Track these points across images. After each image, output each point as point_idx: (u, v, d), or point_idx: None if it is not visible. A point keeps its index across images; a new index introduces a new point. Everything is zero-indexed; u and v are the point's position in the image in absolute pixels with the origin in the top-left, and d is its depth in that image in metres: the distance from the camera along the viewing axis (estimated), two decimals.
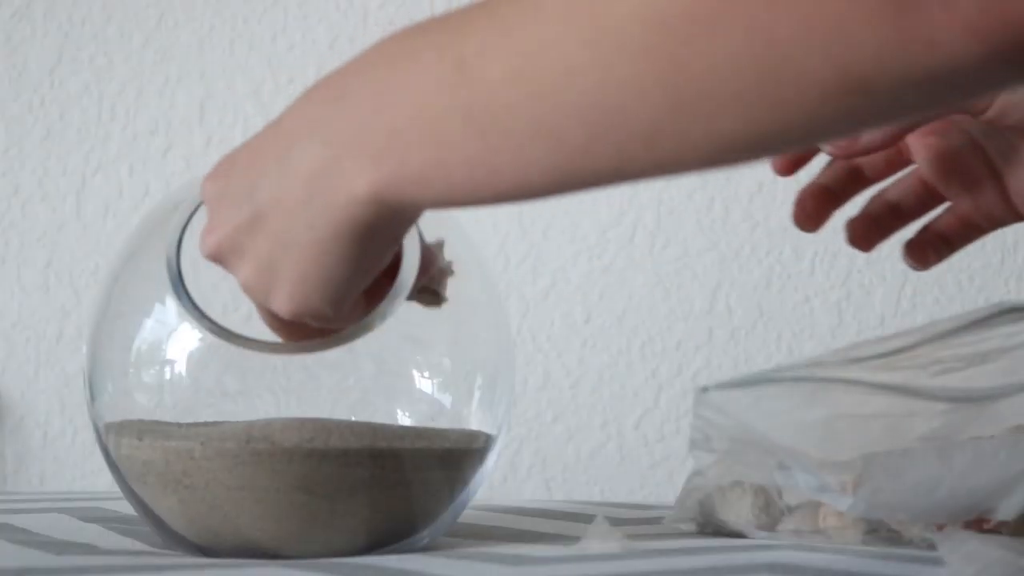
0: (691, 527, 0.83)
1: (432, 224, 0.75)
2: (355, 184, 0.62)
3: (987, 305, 0.82)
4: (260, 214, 0.66)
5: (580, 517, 0.90)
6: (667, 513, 0.86)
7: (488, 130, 0.58)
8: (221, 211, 0.68)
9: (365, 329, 0.73)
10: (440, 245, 0.75)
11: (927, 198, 0.82)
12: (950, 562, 0.67)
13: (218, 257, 0.68)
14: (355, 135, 0.62)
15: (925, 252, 0.82)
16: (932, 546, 0.76)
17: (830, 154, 0.80)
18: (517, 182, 0.59)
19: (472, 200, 0.60)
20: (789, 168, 0.83)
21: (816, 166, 0.83)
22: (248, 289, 0.68)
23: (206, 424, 0.74)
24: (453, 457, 0.76)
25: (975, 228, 0.82)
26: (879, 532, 0.78)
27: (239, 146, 0.68)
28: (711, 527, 0.82)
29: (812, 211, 0.83)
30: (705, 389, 0.82)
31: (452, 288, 0.80)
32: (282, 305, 0.67)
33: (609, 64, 0.54)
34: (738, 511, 0.81)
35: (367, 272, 0.67)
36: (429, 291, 0.75)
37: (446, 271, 0.75)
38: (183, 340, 0.74)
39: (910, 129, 0.79)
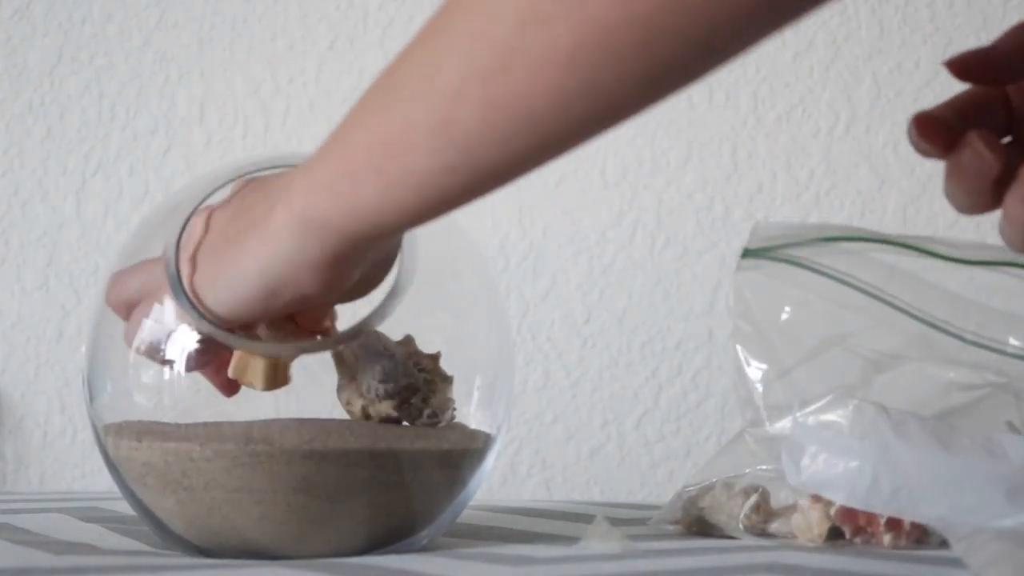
0: (678, 529, 0.83)
1: (431, 224, 0.75)
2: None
3: None
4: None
5: (580, 517, 0.90)
6: (654, 514, 0.86)
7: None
8: None
9: (364, 329, 0.73)
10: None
11: None
12: (969, 563, 0.67)
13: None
14: None
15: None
16: (937, 545, 0.76)
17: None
18: None
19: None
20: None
21: None
22: None
23: (205, 425, 0.74)
24: (452, 457, 0.76)
25: None
26: (845, 538, 0.78)
27: None
28: (697, 527, 0.82)
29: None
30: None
31: (452, 288, 0.80)
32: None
33: None
34: (729, 511, 0.81)
35: None
36: None
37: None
38: (182, 341, 0.74)
39: None
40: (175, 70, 1.31)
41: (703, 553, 0.74)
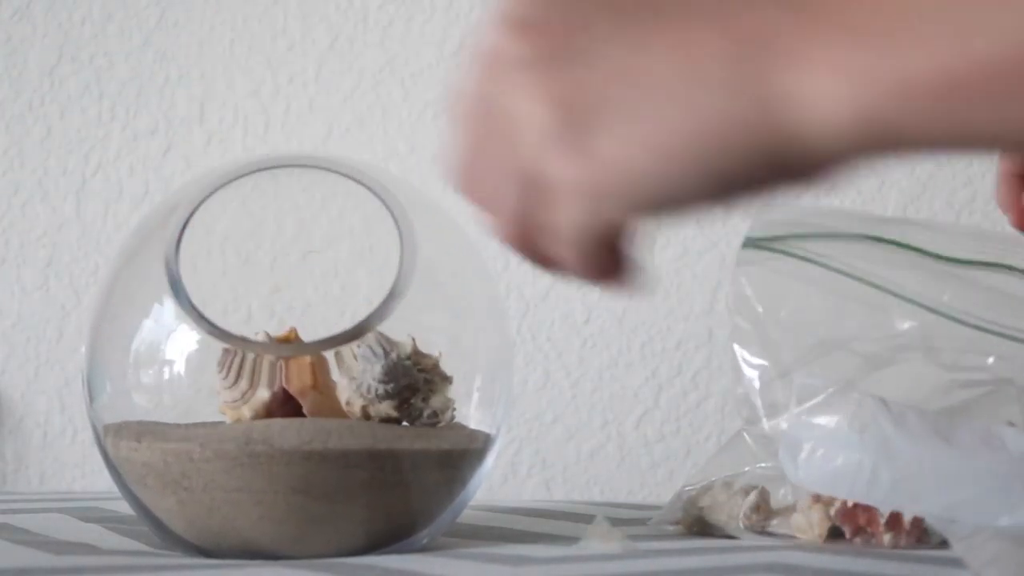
0: (678, 529, 0.83)
1: (431, 224, 0.75)
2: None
3: None
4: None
5: (580, 517, 0.90)
6: (654, 514, 0.86)
7: None
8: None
9: (363, 330, 0.73)
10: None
11: None
12: (969, 562, 0.67)
13: (491, 82, 0.49)
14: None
15: None
16: (937, 544, 0.76)
17: None
18: None
19: None
20: None
21: None
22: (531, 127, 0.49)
23: (205, 425, 0.74)
24: (452, 458, 0.76)
25: None
26: (845, 537, 0.78)
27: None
28: (697, 527, 0.82)
29: None
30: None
31: (452, 288, 0.80)
32: (600, 148, 0.48)
33: None
34: (729, 511, 0.81)
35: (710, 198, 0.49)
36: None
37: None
38: (182, 341, 0.74)
39: None
40: (175, 70, 1.31)
41: (703, 553, 0.74)
